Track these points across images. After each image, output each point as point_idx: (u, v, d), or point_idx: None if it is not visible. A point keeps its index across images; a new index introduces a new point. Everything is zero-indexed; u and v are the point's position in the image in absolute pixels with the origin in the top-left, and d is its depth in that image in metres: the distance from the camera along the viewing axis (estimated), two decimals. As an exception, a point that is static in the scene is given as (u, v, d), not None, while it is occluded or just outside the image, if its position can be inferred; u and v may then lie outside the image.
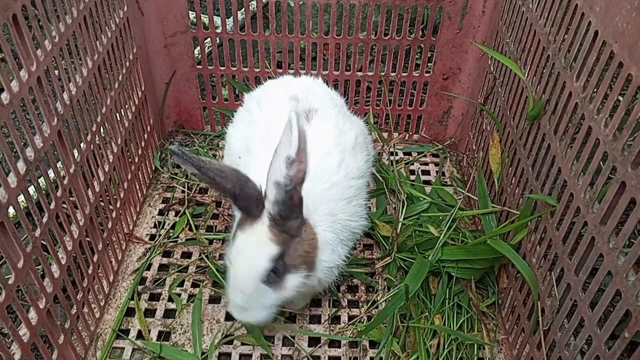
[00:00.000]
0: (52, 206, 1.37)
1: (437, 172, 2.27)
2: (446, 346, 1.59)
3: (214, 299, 1.77)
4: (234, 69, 2.20)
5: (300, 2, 2.00)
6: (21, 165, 1.22)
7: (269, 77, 2.21)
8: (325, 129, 1.62)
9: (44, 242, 1.34)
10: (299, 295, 1.46)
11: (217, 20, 2.63)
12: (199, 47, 2.21)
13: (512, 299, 1.63)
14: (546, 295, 1.41)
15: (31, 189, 1.29)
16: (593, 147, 1.22)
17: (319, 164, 1.50)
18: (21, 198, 1.23)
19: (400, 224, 1.85)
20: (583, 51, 1.28)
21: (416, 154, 2.36)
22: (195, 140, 2.37)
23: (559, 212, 1.38)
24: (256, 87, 1.91)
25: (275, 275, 1.34)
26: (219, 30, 2.10)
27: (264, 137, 1.64)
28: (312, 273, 1.43)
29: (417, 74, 2.21)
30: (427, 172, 2.29)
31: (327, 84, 2.14)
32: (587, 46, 1.27)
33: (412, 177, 2.20)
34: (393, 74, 2.21)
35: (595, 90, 1.23)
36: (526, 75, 1.62)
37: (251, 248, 1.35)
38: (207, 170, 1.34)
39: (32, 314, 1.30)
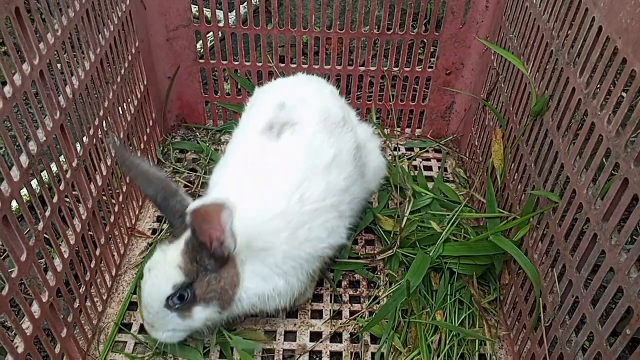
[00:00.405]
0: (55, 200, 1.37)
1: (439, 168, 2.27)
2: (448, 342, 1.59)
3: (216, 294, 1.77)
4: (237, 63, 2.20)
5: (303, -3, 2.00)
6: (24, 159, 1.22)
7: (271, 72, 2.21)
8: (292, 147, 1.55)
9: (47, 236, 1.34)
10: (218, 322, 1.47)
11: (220, 14, 2.62)
12: (201, 41, 2.20)
13: (514, 296, 1.63)
14: (548, 292, 1.41)
15: (34, 183, 1.29)
16: (596, 143, 1.22)
17: (265, 191, 1.47)
18: (24, 192, 1.23)
19: (405, 219, 1.85)
20: (587, 47, 1.28)
21: (418, 149, 2.36)
22: (198, 134, 2.37)
23: (562, 209, 1.38)
24: (259, 82, 1.91)
25: (180, 302, 1.34)
26: (221, 24, 2.10)
27: (238, 149, 1.65)
28: (226, 309, 1.41)
29: (420, 69, 2.21)
30: (429, 168, 2.28)
31: (328, 79, 2.15)
32: (591, 42, 1.26)
33: (414, 173, 2.20)
34: (396, 69, 2.21)
35: (599, 86, 1.23)
36: (529, 71, 1.62)
37: (160, 269, 1.35)
38: (132, 168, 1.39)
39: (36, 308, 1.30)
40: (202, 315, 1.38)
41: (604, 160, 1.19)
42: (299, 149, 1.54)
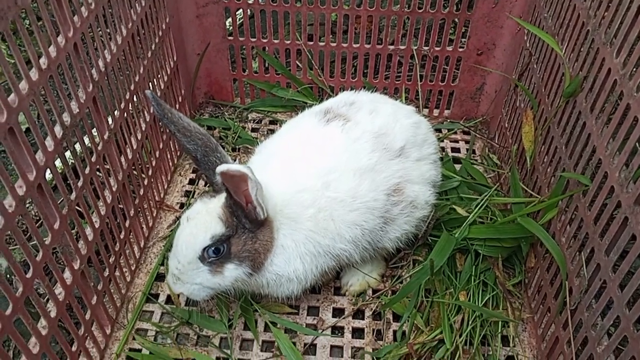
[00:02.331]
0: (87, 171, 1.40)
1: (467, 150, 2.24)
2: (470, 322, 1.59)
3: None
4: (265, 40, 2.20)
5: (334, -26, 1.98)
6: (58, 130, 1.25)
7: (299, 50, 2.20)
8: (333, 138, 1.56)
9: (79, 208, 1.38)
10: (242, 287, 1.46)
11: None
12: (230, 18, 2.21)
13: (539, 279, 1.62)
14: (574, 275, 1.39)
15: (67, 154, 1.32)
16: (630, 126, 1.19)
17: (301, 166, 1.50)
18: (58, 163, 1.26)
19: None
20: (625, 26, 1.24)
21: (446, 131, 2.34)
22: (225, 112, 2.39)
23: (592, 192, 1.35)
24: (286, 60, 1.87)
25: (215, 256, 1.34)
26: (250, 1, 2.09)
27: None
28: (256, 274, 1.42)
29: (451, 49, 2.18)
30: (457, 150, 2.26)
31: (356, 58, 2.12)
32: (630, 21, 1.22)
33: (441, 155, 2.18)
34: (426, 49, 2.18)
35: (635, 67, 1.19)
36: (564, 51, 1.58)
37: (200, 218, 1.35)
38: (171, 122, 1.37)
39: (67, 275, 1.35)
40: (232, 273, 1.38)
41: (637, 145, 1.16)
42: (339, 142, 1.55)
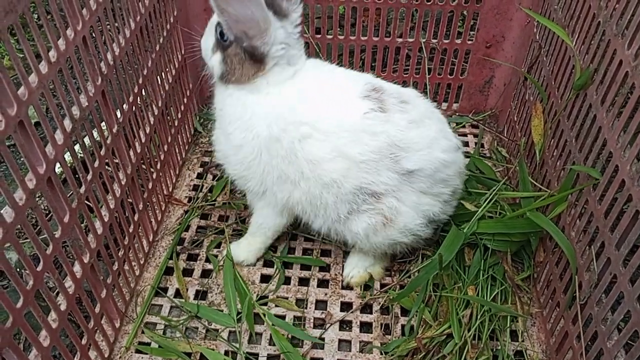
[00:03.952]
0: (96, 165, 1.41)
1: (476, 143, 2.23)
2: (479, 317, 1.58)
3: (249, 261, 1.81)
4: (273, 34, 2.19)
5: (342, -34, 1.97)
6: (67, 123, 1.26)
7: (307, 43, 2.19)
8: (363, 116, 1.47)
9: (88, 202, 1.38)
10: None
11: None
12: (238, 12, 2.20)
13: (548, 273, 1.61)
14: (584, 270, 1.38)
15: (76, 147, 1.33)
16: (642, 118, 1.18)
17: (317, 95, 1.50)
18: (67, 157, 1.26)
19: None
20: (637, 18, 1.23)
21: (455, 124, 2.33)
22: (233, 105, 2.38)
23: (602, 186, 1.34)
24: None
25: (220, 37, 1.44)
26: (258, -5, 2.08)
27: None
28: (222, 83, 1.52)
29: (459, 42, 2.16)
30: (465, 144, 2.25)
31: (364, 51, 2.11)
32: (642, 12, 1.21)
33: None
34: (434, 41, 2.16)
35: (648, 59, 1.18)
36: (574, 43, 1.57)
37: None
38: None
39: (77, 268, 1.35)
40: (217, 58, 1.48)
41: (650, 136, 1.15)
42: (355, 118, 1.46)
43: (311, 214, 1.59)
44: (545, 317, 1.62)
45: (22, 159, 1.11)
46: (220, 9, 1.36)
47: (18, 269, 1.75)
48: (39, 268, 1.17)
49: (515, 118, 2.10)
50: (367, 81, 1.52)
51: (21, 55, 1.06)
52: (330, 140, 1.45)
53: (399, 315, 1.66)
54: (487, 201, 1.77)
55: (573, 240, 1.46)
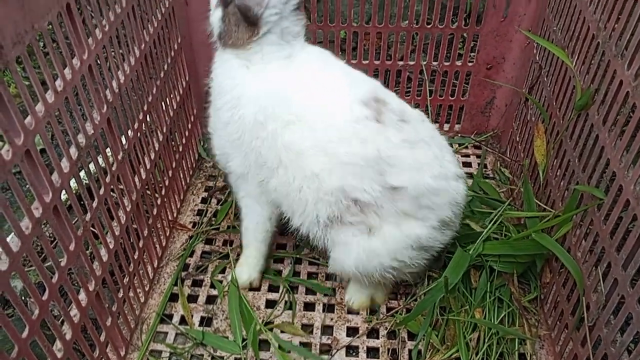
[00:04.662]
0: (102, 192, 1.41)
1: (478, 164, 2.24)
2: (486, 340, 1.57)
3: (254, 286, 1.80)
4: (275, 59, 2.21)
5: (342, -8, 2.00)
6: (73, 151, 1.27)
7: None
8: (354, 120, 1.43)
9: (94, 229, 1.38)
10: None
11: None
12: (241, 38, 2.22)
13: (555, 294, 1.60)
14: (591, 291, 1.37)
15: (81, 174, 1.33)
16: (645, 138, 1.18)
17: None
18: (72, 183, 1.27)
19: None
20: (636, 38, 1.24)
21: (457, 145, 2.33)
22: (237, 130, 2.40)
23: (607, 206, 1.34)
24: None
25: None
26: (261, 21, 2.11)
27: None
28: (219, 41, 1.53)
29: (460, 64, 2.18)
30: (468, 164, 2.26)
31: (365, 74, 2.13)
32: (641, 33, 1.22)
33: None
34: (435, 64, 2.18)
35: (648, 79, 1.19)
36: (574, 63, 1.58)
37: None
38: None
39: (82, 296, 1.35)
40: (217, 14, 1.50)
41: (653, 155, 1.15)
42: (346, 120, 1.43)
43: (289, 209, 1.56)
44: (554, 339, 1.60)
45: (26, 186, 1.12)
46: None
47: (23, 298, 1.74)
48: (45, 297, 1.16)
49: (518, 138, 2.11)
50: (372, 88, 1.50)
51: (27, 83, 1.08)
52: (316, 135, 1.42)
53: (406, 339, 1.64)
54: (492, 222, 1.77)
55: (579, 260, 1.45)
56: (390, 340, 1.65)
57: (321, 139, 1.42)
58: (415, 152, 1.46)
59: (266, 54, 1.46)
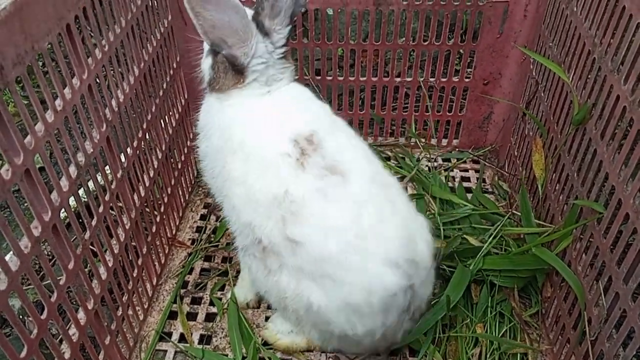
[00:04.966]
0: (101, 210, 1.41)
1: (477, 178, 2.24)
2: (488, 355, 1.56)
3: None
4: (274, 76, 2.23)
5: (339, 10, 2.02)
6: (72, 170, 1.27)
7: (307, 84, 2.23)
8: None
9: (93, 247, 1.38)
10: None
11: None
12: (239, 56, 2.24)
13: (557, 309, 1.59)
14: (593, 305, 1.37)
15: (81, 192, 1.34)
16: (643, 151, 1.19)
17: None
18: (71, 201, 1.27)
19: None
20: (631, 54, 1.25)
21: (455, 160, 2.34)
22: (235, 146, 2.41)
23: (606, 219, 1.34)
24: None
25: None
26: (259, 39, 2.13)
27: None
28: (207, 88, 1.55)
29: (457, 80, 2.20)
30: (467, 179, 2.26)
31: (363, 90, 2.15)
32: (636, 49, 1.23)
33: (451, 184, 2.18)
34: (432, 80, 2.20)
35: (644, 93, 1.20)
36: (571, 79, 1.59)
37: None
38: None
39: (81, 315, 1.34)
40: (207, 62, 1.53)
41: (651, 169, 1.16)
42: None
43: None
44: (556, 353, 1.59)
45: (24, 204, 1.12)
46: (194, 12, 1.31)
47: (21, 316, 1.73)
48: (43, 316, 1.15)
49: (516, 153, 2.11)
50: (315, 129, 1.37)
51: (26, 102, 1.08)
52: (245, 166, 1.39)
53: (407, 356, 1.63)
54: (491, 237, 1.77)
55: (580, 275, 1.45)
56: (392, 357, 1.63)
57: (246, 171, 1.38)
58: (329, 208, 1.30)
59: (247, 94, 1.46)
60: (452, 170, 2.29)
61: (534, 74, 1.95)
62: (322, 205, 1.29)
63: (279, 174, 1.33)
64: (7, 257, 1.02)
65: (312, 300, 1.34)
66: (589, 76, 1.47)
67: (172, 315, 1.75)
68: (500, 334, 1.62)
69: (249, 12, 1.41)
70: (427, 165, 2.26)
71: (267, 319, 1.74)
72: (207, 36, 1.37)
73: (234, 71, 1.45)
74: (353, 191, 1.32)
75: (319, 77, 2.22)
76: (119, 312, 1.55)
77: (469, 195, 2.08)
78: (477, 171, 2.29)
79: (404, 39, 2.09)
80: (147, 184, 1.70)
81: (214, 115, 1.50)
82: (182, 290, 1.83)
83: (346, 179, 1.32)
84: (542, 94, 1.85)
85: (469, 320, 1.65)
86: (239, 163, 1.40)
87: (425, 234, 1.45)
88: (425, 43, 2.09)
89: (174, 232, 1.99)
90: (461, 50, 2.14)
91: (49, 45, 1.13)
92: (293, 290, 1.37)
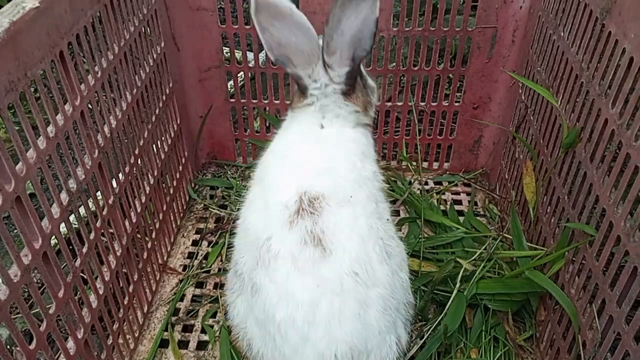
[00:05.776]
0: (92, 237, 1.40)
1: (469, 201, 2.25)
2: (483, 380, 1.55)
3: (247, 330, 1.77)
4: (266, 101, 2.25)
5: (331, 36, 2.04)
6: (64, 197, 1.26)
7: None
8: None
9: (83, 275, 1.36)
10: None
11: (250, 55, 2.69)
12: (232, 81, 2.26)
13: (551, 332, 1.58)
14: (587, 328, 1.37)
15: (71, 218, 1.32)
16: (632, 174, 1.20)
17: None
18: (62, 228, 1.26)
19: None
20: (618, 78, 1.27)
21: (447, 183, 2.35)
22: (228, 171, 2.41)
23: (598, 242, 1.35)
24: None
25: None
26: (251, 65, 2.15)
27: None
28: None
29: (447, 104, 2.22)
30: (459, 202, 2.27)
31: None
32: (622, 73, 1.26)
33: (442, 207, 2.19)
34: (422, 104, 2.22)
35: (632, 117, 1.22)
36: (559, 103, 1.61)
37: None
38: None
39: (71, 344, 1.32)
40: None
41: (640, 193, 1.17)
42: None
43: None
44: (552, 378, 1.58)
45: (14, 231, 1.10)
46: (261, 26, 1.29)
47: (9, 346, 1.70)
48: (32, 346, 1.13)
49: (507, 176, 2.13)
50: (324, 192, 1.27)
51: (17, 128, 1.08)
52: (251, 198, 1.41)
53: (402, 381, 1.61)
54: (485, 261, 1.77)
55: (573, 298, 1.45)
56: (387, 384, 1.61)
57: (252, 203, 1.40)
58: (293, 276, 1.21)
59: (297, 118, 1.46)
60: (444, 194, 2.30)
61: (523, 97, 1.98)
62: (288, 270, 1.21)
63: (271, 220, 1.27)
64: (-4, 286, 1.01)
65: (253, 345, 1.34)
66: (577, 100, 1.50)
67: (164, 344, 1.73)
68: (495, 359, 1.61)
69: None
70: (419, 189, 2.27)
71: (260, 345, 1.72)
72: (271, 52, 1.36)
73: (300, 91, 1.45)
74: (323, 275, 1.21)
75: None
76: (109, 341, 1.52)
77: (461, 219, 2.08)
78: (468, 194, 2.30)
79: (394, 64, 2.11)
80: (138, 210, 1.69)
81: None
82: (174, 318, 1.80)
83: (325, 258, 1.21)
84: (532, 118, 1.87)
85: (463, 345, 1.63)
86: (251, 193, 1.43)
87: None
88: (416, 68, 2.12)
89: (165, 258, 1.97)
90: (451, 75, 2.16)
91: (42, 72, 1.13)
92: (241, 320, 1.38)
